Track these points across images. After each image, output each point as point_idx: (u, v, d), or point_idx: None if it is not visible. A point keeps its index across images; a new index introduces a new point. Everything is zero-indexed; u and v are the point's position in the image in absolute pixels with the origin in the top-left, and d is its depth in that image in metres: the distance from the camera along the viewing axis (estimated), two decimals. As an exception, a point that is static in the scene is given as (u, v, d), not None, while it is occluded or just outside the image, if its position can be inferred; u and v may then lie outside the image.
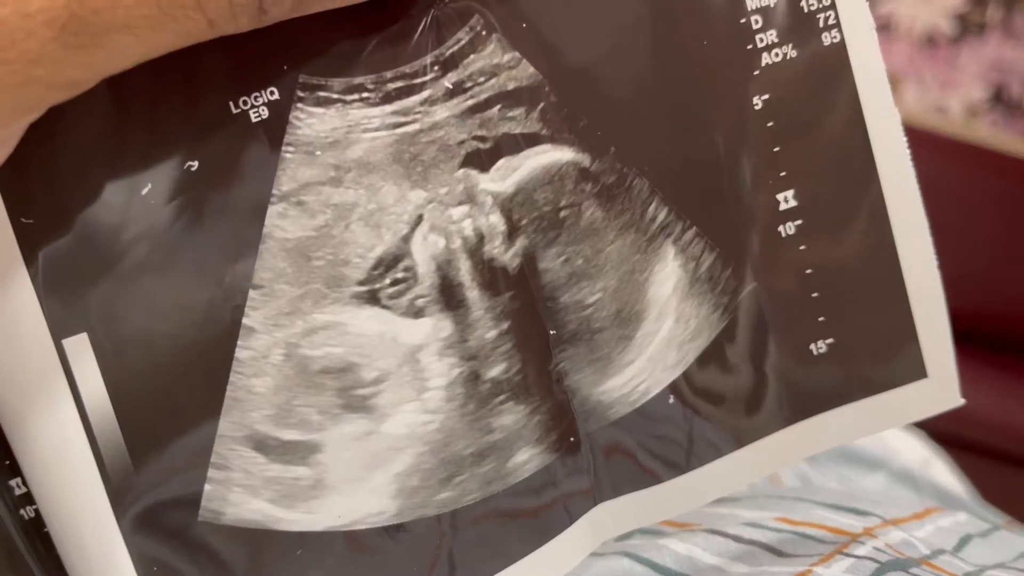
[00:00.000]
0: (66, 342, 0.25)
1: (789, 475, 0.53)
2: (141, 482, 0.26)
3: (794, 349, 0.32)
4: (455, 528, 0.29)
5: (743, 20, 0.29)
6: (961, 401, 0.32)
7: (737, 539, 0.35)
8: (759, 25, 0.29)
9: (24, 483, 0.27)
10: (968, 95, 1.32)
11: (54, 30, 0.20)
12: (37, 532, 0.27)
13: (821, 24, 0.30)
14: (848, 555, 0.32)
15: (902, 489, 0.60)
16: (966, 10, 1.29)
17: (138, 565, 0.26)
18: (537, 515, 0.30)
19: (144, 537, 0.26)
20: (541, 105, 0.28)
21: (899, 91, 1.30)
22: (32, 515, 0.27)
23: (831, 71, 0.30)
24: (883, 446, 0.62)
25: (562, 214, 0.29)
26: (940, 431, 0.67)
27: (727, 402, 0.32)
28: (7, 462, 0.27)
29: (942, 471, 0.64)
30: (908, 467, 0.63)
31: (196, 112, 0.25)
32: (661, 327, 0.30)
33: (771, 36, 0.30)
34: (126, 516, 0.26)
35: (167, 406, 0.26)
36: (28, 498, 0.27)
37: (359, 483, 0.28)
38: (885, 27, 1.30)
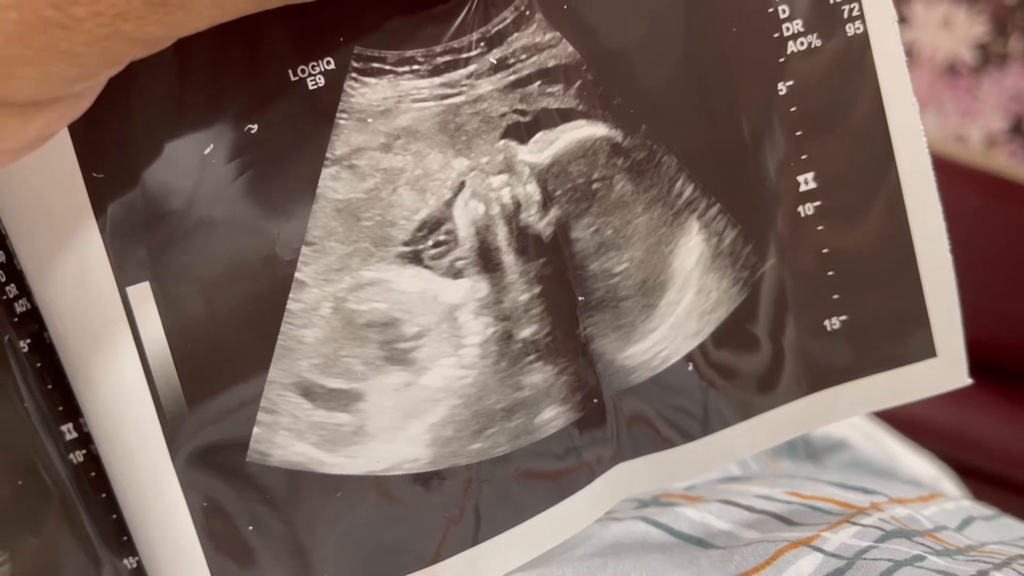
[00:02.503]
0: (130, 290, 0.27)
1: (789, 468, 0.54)
2: (194, 422, 0.27)
3: (809, 324, 0.33)
4: (483, 480, 0.30)
5: (771, 9, 0.30)
6: (969, 381, 0.33)
7: (749, 509, 0.35)
8: (786, 15, 0.30)
9: (75, 429, 0.28)
10: (988, 125, 1.32)
11: None
12: (86, 475, 0.29)
13: (845, 15, 0.31)
14: (855, 523, 0.33)
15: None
16: (988, 40, 1.29)
17: (190, 500, 0.28)
18: (559, 478, 0.31)
19: (196, 474, 0.28)
20: (578, 83, 0.29)
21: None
22: (80, 459, 0.29)
23: (854, 61, 0.31)
24: (891, 460, 0.62)
25: (594, 186, 0.30)
26: (949, 458, 0.67)
27: (743, 371, 0.33)
28: (60, 408, 0.28)
29: (951, 489, 0.64)
30: (918, 479, 0.63)
31: (257, 78, 0.27)
32: (683, 297, 0.31)
33: (797, 25, 0.31)
34: (180, 454, 0.27)
35: (221, 352, 0.27)
36: (77, 443, 0.29)
37: (397, 431, 0.29)
38: (907, 55, 1.30)
